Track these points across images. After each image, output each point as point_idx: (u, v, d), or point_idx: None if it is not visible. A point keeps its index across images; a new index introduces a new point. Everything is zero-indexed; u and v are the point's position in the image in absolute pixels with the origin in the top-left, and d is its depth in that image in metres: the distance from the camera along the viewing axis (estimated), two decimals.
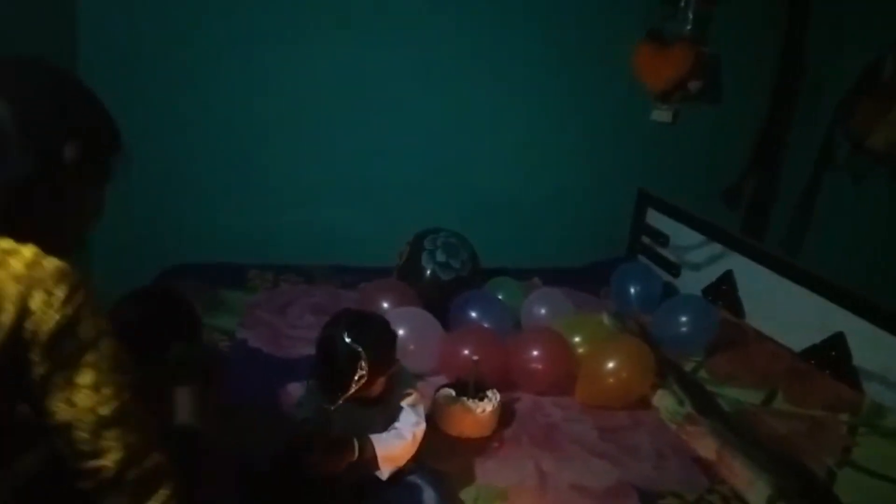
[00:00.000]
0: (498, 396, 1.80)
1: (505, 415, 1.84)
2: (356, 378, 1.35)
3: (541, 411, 1.92)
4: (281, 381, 1.88)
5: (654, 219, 2.85)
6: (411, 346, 1.92)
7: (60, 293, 0.84)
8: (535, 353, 1.99)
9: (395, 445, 1.44)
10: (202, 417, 1.19)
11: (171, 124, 2.53)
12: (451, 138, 2.72)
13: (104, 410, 0.88)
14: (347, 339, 1.36)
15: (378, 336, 1.42)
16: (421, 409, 1.53)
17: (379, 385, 1.43)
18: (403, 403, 1.51)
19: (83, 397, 0.87)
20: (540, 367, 1.97)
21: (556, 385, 1.99)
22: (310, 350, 2.03)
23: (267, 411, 1.73)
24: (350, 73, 2.58)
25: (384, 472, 1.43)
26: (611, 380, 1.92)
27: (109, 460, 0.89)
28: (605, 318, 2.20)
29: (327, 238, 2.66)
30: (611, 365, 1.92)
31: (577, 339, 2.08)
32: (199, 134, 2.57)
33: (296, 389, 1.84)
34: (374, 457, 1.41)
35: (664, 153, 2.92)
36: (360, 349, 1.35)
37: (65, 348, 0.85)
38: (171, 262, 2.46)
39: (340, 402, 1.37)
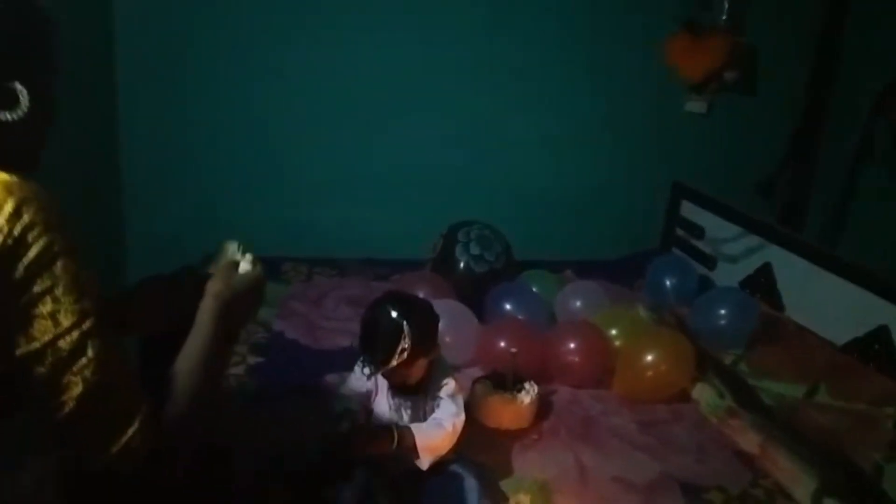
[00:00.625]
0: (536, 388, 1.79)
1: (542, 407, 1.83)
2: (399, 350, 1.37)
3: (578, 404, 1.90)
4: (319, 372, 1.89)
5: (689, 211, 2.82)
6: (447, 338, 1.91)
7: (7, 208, 0.77)
8: (573, 345, 1.98)
9: (436, 435, 1.45)
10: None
11: (206, 118, 2.55)
12: (485, 130, 2.70)
13: (63, 343, 0.80)
14: (393, 313, 1.39)
15: (422, 314, 1.44)
16: (460, 400, 1.54)
17: (419, 368, 1.45)
18: (442, 394, 1.51)
19: (40, 329, 0.80)
20: (577, 359, 1.96)
21: (593, 378, 1.97)
22: (346, 342, 2.06)
23: (308, 401, 1.74)
24: (384, 67, 2.58)
25: (424, 462, 1.43)
26: (650, 373, 1.90)
27: (69, 397, 0.81)
28: (642, 311, 2.18)
29: (360, 231, 2.67)
30: (649, 358, 1.90)
31: (613, 332, 2.06)
32: (234, 128, 2.58)
33: (333, 380, 1.85)
34: (414, 446, 1.42)
35: (698, 145, 2.88)
36: (403, 322, 1.38)
37: (14, 273, 0.78)
38: (204, 255, 2.48)
39: (381, 371, 1.41)
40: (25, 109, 0.87)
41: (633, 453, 1.69)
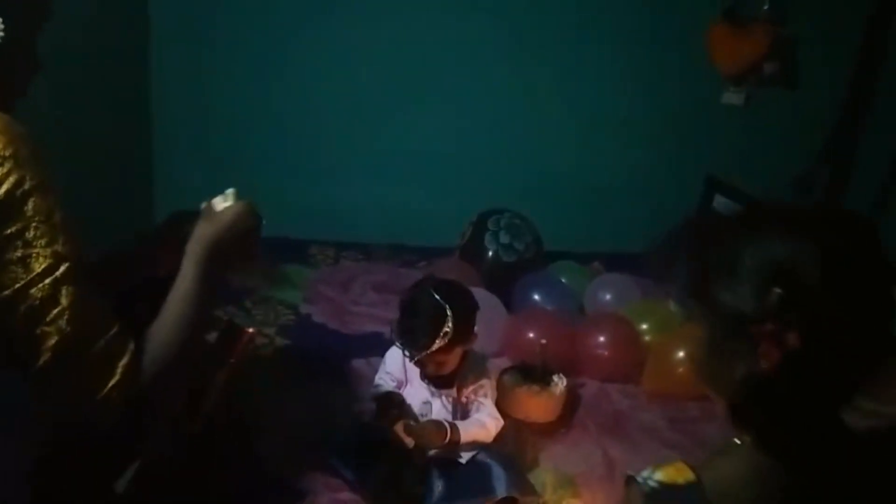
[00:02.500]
0: (564, 381, 1.77)
1: (570, 400, 1.81)
2: (442, 333, 1.37)
3: (607, 398, 1.88)
4: (346, 356, 1.89)
5: (723, 205, 2.76)
6: (475, 327, 1.90)
7: None
8: (602, 338, 1.95)
9: (478, 434, 1.46)
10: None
11: (236, 99, 2.55)
12: (518, 117, 2.66)
13: (35, 291, 0.76)
14: (436, 296, 1.39)
15: (464, 300, 1.44)
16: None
17: (455, 356, 1.44)
18: (482, 397, 1.52)
19: (10, 276, 0.75)
20: (606, 353, 1.94)
21: (622, 372, 1.95)
22: (373, 327, 2.05)
23: (335, 385, 1.74)
24: (417, 49, 2.54)
25: (465, 456, 1.45)
26: (680, 369, 1.86)
27: (45, 348, 0.76)
28: (673, 305, 2.14)
29: (389, 215, 2.65)
30: (681, 353, 1.86)
31: (644, 326, 2.03)
32: (263, 110, 2.58)
33: (361, 366, 1.84)
34: (459, 441, 1.43)
35: (734, 138, 2.82)
36: (447, 305, 1.38)
37: None
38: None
39: (422, 354, 1.39)
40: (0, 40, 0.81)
41: (663, 451, 1.66)
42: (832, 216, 0.63)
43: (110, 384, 0.80)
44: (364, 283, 2.34)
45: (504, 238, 2.30)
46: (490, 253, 2.30)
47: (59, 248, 0.77)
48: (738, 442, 0.67)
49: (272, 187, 2.62)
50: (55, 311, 0.76)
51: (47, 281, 0.76)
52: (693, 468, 0.68)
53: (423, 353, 1.39)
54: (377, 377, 1.56)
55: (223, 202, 1.06)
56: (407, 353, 1.44)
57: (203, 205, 1.08)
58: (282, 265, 2.37)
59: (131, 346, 0.83)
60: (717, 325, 0.64)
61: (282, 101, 2.57)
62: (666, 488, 0.67)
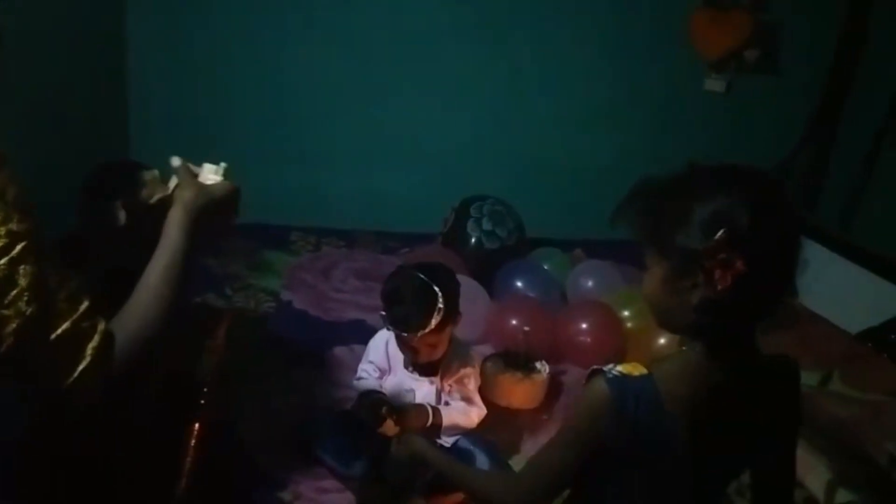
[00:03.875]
0: (547, 368, 1.78)
1: (553, 387, 1.82)
2: (435, 311, 1.38)
3: None
4: (328, 343, 1.87)
5: None
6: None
7: None
8: (584, 325, 1.96)
9: (461, 420, 1.47)
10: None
11: (218, 83, 2.50)
12: (501, 104, 2.65)
13: None
14: (422, 276, 1.40)
15: (448, 278, 1.46)
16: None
17: (446, 337, 1.44)
18: (469, 385, 1.53)
19: None
20: (589, 340, 1.94)
21: (604, 359, 1.94)
22: (356, 314, 2.04)
23: (320, 373, 1.72)
24: (401, 36, 2.51)
25: (448, 441, 1.46)
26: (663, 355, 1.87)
27: (6, 332, 0.72)
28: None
29: (370, 201, 2.62)
30: (662, 341, 1.87)
31: (626, 313, 2.03)
32: (245, 94, 2.53)
33: (343, 353, 1.83)
34: (441, 424, 1.44)
35: (716, 124, 2.82)
36: (435, 287, 1.39)
37: None
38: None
39: (423, 333, 1.39)
40: None
41: None
42: (754, 173, 0.85)
43: (80, 368, 0.76)
44: (346, 269, 2.33)
45: (487, 225, 2.29)
46: (473, 240, 2.29)
47: (13, 226, 0.72)
48: (685, 349, 0.86)
49: (253, 172, 2.55)
50: (13, 293, 0.72)
51: (3, 261, 0.71)
52: (646, 366, 0.86)
53: (422, 334, 1.39)
54: (360, 368, 1.55)
55: (215, 175, 1.02)
56: (404, 336, 1.42)
57: (176, 162, 1.02)
58: (262, 251, 2.34)
59: (102, 326, 0.79)
60: (672, 265, 0.82)
61: (264, 85, 2.53)
62: (624, 377, 0.84)
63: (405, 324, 1.40)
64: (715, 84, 2.81)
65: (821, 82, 2.87)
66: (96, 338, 0.78)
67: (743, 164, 0.87)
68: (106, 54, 2.37)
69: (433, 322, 1.37)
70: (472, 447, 1.47)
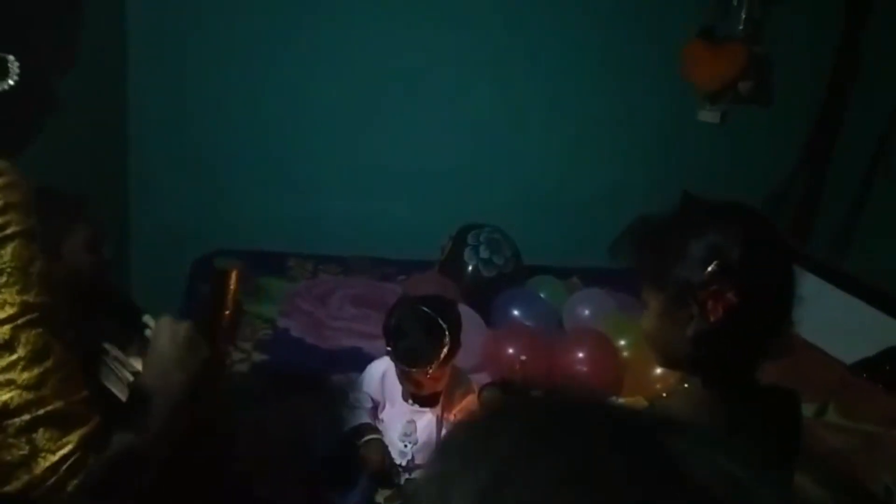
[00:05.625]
0: None
1: None
2: (443, 348, 1.37)
3: None
4: (325, 371, 1.87)
5: None
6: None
7: None
8: (581, 354, 1.96)
9: None
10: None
11: (212, 108, 2.52)
12: (498, 132, 2.67)
13: None
14: (427, 311, 1.39)
15: (451, 310, 1.45)
16: None
17: (448, 370, 1.43)
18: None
19: None
20: (585, 369, 1.94)
21: (601, 388, 1.95)
22: (353, 342, 2.04)
23: (313, 401, 1.72)
24: (397, 63, 2.54)
25: None
26: (658, 385, 1.87)
27: None
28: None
29: (368, 228, 2.63)
30: (659, 370, 1.88)
31: (622, 342, 2.04)
32: (240, 120, 2.55)
33: (340, 381, 1.83)
34: None
35: (711, 154, 2.86)
36: (441, 321, 1.38)
37: None
38: (208, 249, 2.45)
39: (430, 370, 1.39)
40: (13, 83, 0.79)
41: None
42: (746, 209, 0.89)
43: (60, 453, 0.72)
44: (342, 296, 2.33)
45: (484, 253, 2.31)
46: (470, 268, 2.30)
47: (29, 298, 0.72)
48: (686, 385, 0.87)
49: (251, 200, 2.61)
50: (10, 359, 0.71)
51: (6, 328, 0.71)
52: (648, 401, 0.90)
53: (431, 369, 1.38)
54: (353, 396, 1.55)
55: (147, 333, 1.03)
56: (413, 372, 1.41)
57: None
58: (258, 278, 2.34)
59: (97, 419, 0.76)
60: (668, 298, 0.84)
61: (261, 112, 2.55)
62: None
63: (412, 360, 1.40)
64: (709, 115, 2.85)
65: (815, 113, 2.91)
66: (88, 426, 0.75)
67: (735, 200, 0.90)
68: (105, 88, 2.40)
69: (441, 357, 1.36)
70: None
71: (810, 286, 2.25)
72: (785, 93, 2.88)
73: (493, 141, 2.69)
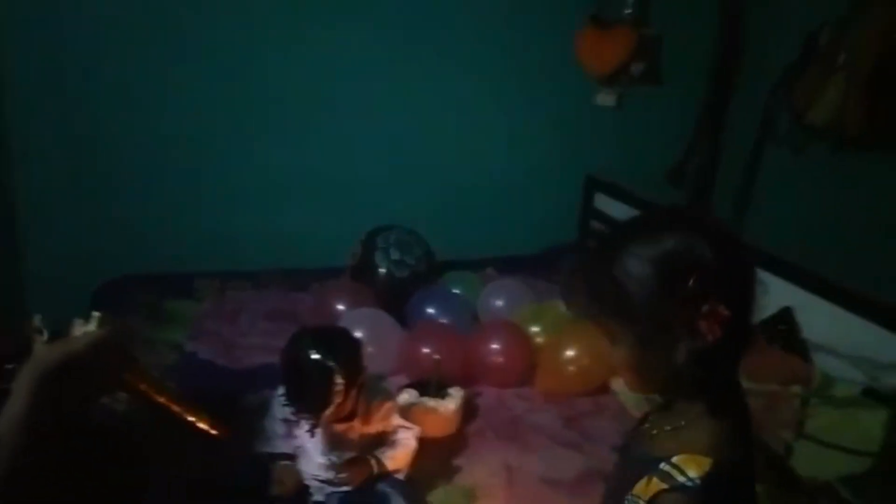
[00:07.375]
0: (461, 393, 1.79)
1: (468, 411, 1.83)
2: (335, 391, 1.34)
3: (504, 404, 1.91)
4: (238, 393, 1.82)
5: (603, 203, 2.87)
6: (370, 348, 1.86)
7: None
8: (495, 346, 1.98)
9: (405, 455, 1.50)
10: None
11: (112, 126, 2.39)
12: (399, 131, 2.66)
13: None
14: (316, 356, 1.34)
15: (346, 347, 1.41)
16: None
17: (352, 399, 1.41)
18: (394, 421, 1.53)
19: None
20: (501, 360, 1.97)
21: (517, 377, 1.98)
22: (265, 358, 1.99)
23: (230, 423, 1.67)
24: (298, 70, 2.49)
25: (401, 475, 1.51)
26: (571, 368, 1.92)
27: None
28: (562, 305, 2.20)
29: (275, 240, 2.57)
30: (570, 353, 1.92)
31: (535, 329, 2.08)
32: (141, 138, 2.44)
33: (253, 401, 1.79)
34: (387, 471, 1.47)
35: (610, 137, 2.93)
36: (331, 364, 1.34)
37: None
38: (112, 273, 2.35)
39: (326, 415, 1.38)
40: None
41: (558, 450, 1.71)
42: (680, 210, 0.83)
43: None
44: (254, 312, 2.27)
45: (394, 254, 2.30)
46: (382, 270, 2.29)
47: None
48: (692, 416, 0.77)
49: (154, 219, 2.50)
50: None
51: None
52: (663, 451, 0.77)
53: (323, 415, 1.37)
54: (266, 424, 1.53)
55: (83, 326, 0.96)
56: (305, 424, 1.42)
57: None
58: (163, 302, 2.26)
59: None
60: (643, 328, 0.74)
61: (158, 128, 2.44)
62: (702, 479, 0.73)
63: (304, 408, 1.39)
64: (606, 99, 2.92)
65: (704, 88, 3.03)
66: None
67: (659, 207, 0.83)
68: None
69: (334, 402, 1.35)
70: (388, 489, 1.46)
71: None
72: (676, 71, 2.98)
73: (398, 143, 2.67)
